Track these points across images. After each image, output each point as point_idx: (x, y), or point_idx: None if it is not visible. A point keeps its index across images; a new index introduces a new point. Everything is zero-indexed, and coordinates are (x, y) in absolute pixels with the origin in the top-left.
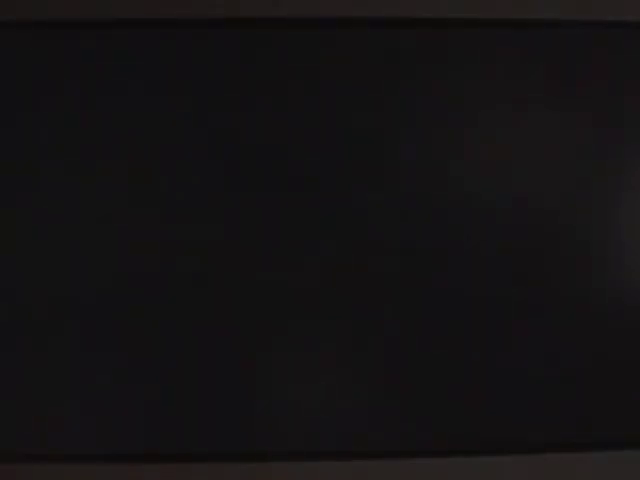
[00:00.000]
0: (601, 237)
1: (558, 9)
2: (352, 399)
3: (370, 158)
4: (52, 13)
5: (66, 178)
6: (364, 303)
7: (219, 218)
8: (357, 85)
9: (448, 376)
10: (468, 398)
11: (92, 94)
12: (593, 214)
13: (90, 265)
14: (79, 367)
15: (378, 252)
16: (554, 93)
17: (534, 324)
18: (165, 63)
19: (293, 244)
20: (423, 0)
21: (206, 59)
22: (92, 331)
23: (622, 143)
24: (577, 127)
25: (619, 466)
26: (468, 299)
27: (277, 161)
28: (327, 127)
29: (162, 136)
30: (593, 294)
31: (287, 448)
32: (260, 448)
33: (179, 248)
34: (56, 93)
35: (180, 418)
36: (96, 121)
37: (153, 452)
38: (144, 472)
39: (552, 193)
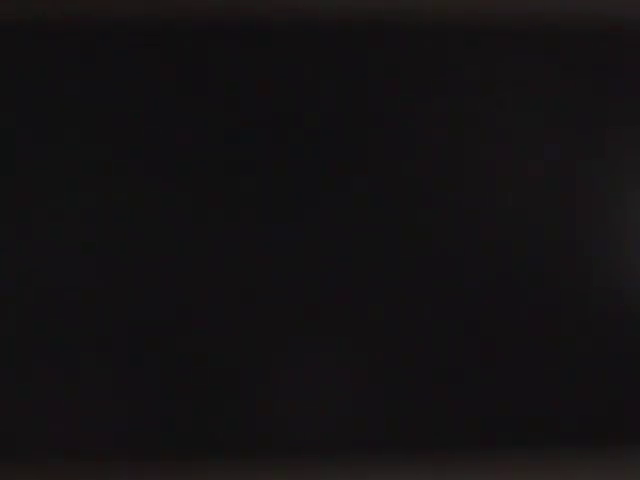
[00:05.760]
0: (602, 238)
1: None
2: (352, 399)
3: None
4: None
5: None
6: (365, 305)
7: (220, 217)
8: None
9: (448, 376)
10: (469, 398)
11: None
12: (593, 214)
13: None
14: (78, 368)
15: (380, 254)
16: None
17: (533, 325)
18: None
19: (291, 243)
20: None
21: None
22: (95, 333)
23: (622, 144)
24: (577, 128)
25: (619, 464)
26: (468, 300)
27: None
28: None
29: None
30: (593, 294)
31: (287, 447)
32: (260, 447)
33: (180, 249)
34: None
35: (179, 418)
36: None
37: (154, 450)
38: (144, 471)
39: (553, 194)
